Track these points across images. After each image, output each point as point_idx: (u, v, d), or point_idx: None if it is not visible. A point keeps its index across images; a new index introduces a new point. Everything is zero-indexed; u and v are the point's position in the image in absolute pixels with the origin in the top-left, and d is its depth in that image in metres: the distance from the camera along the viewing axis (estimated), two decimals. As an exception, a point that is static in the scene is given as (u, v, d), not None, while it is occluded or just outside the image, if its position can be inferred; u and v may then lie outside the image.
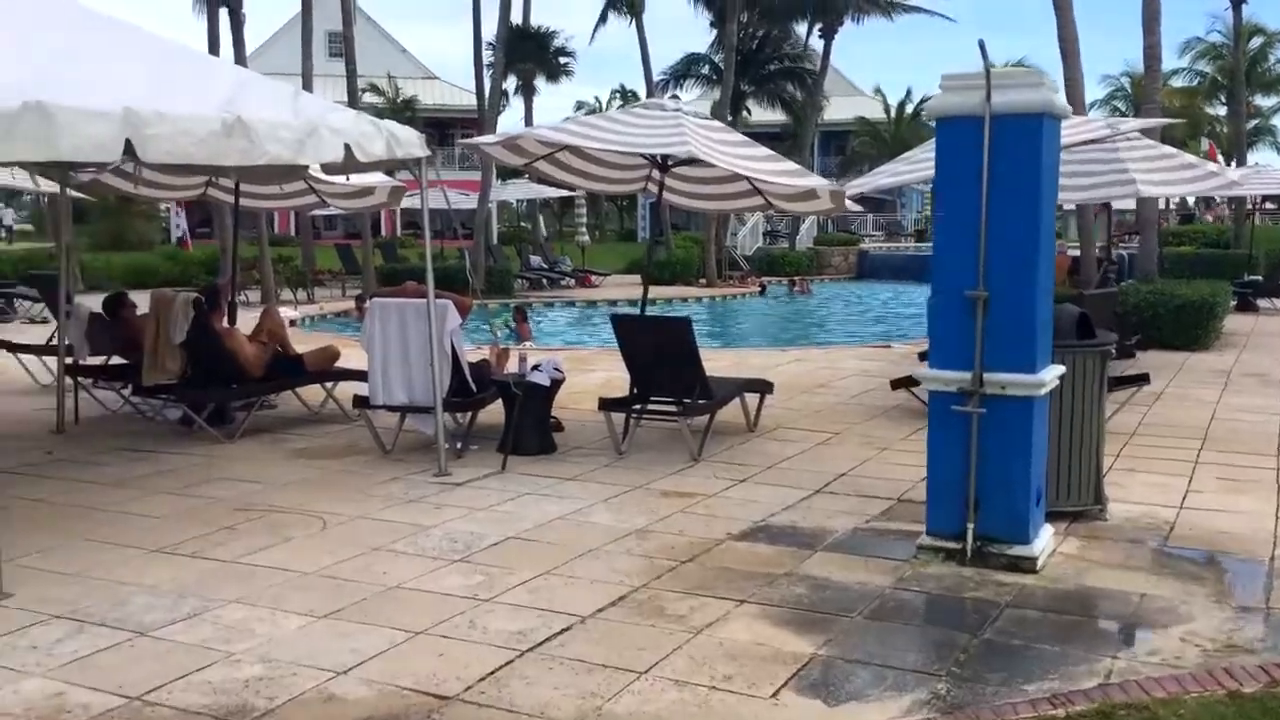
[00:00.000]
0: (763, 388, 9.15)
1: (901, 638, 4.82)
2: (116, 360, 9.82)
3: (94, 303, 10.17)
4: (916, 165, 9.22)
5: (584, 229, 36.42)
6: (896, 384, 9.86)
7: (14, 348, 11.20)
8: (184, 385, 8.67)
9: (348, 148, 6.85)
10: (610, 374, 11.29)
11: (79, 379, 9.45)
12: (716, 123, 9.61)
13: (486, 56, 28.92)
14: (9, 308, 16.88)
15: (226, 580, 5.44)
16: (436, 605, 5.12)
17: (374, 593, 5.28)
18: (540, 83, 41.46)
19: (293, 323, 17.74)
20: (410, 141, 7.47)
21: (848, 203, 9.02)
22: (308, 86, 19.42)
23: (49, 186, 16.23)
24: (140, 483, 7.34)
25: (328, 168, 7.81)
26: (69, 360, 9.32)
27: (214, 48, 24.12)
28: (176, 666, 4.41)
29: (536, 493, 7.14)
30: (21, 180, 15.93)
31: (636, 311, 9.63)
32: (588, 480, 7.47)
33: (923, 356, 10.63)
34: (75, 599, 5.13)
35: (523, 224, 47.89)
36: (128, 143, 5.49)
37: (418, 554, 5.88)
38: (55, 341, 9.95)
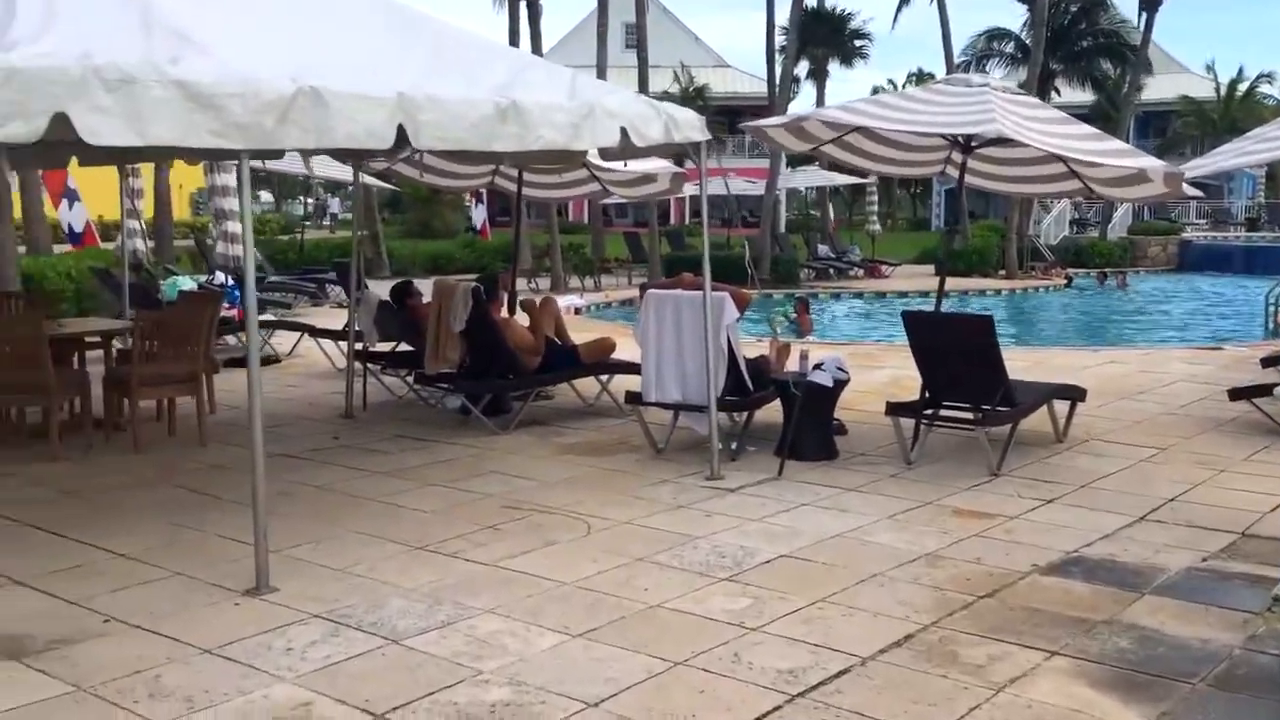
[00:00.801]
0: (1074, 394, 8.16)
1: (1260, 715, 3.93)
2: (404, 347, 9.98)
3: (387, 290, 10.40)
4: (1271, 143, 7.95)
5: (874, 217, 35.25)
6: (1237, 394, 8.60)
7: (314, 332, 11.69)
8: (462, 375, 8.65)
9: (623, 131, 6.50)
10: (899, 372, 10.52)
11: (368, 365, 9.65)
12: (1028, 97, 8.67)
13: (779, 41, 28.39)
14: (321, 292, 17.89)
15: (484, 587, 5.19)
16: (698, 631, 4.65)
17: (633, 611, 4.88)
18: (833, 67, 40.51)
19: (578, 310, 17.90)
20: (689, 124, 7.05)
21: (1184, 187, 7.87)
22: (602, 78, 19.54)
23: (365, 177, 17.12)
24: (414, 474, 7.30)
25: (605, 153, 7.51)
26: (359, 346, 9.53)
27: (514, 41, 24.80)
28: (424, 682, 4.15)
29: (814, 504, 6.56)
30: (343, 172, 16.77)
31: (929, 306, 8.83)
32: (871, 492, 6.82)
33: (1268, 362, 9.40)
34: (336, 598, 5.01)
35: (811, 212, 47.07)
36: (400, 129, 5.32)
37: (682, 568, 5.44)
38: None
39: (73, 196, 17.69)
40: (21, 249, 16.33)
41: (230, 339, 11.40)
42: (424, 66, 5.86)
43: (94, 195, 18.76)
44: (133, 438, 7.83)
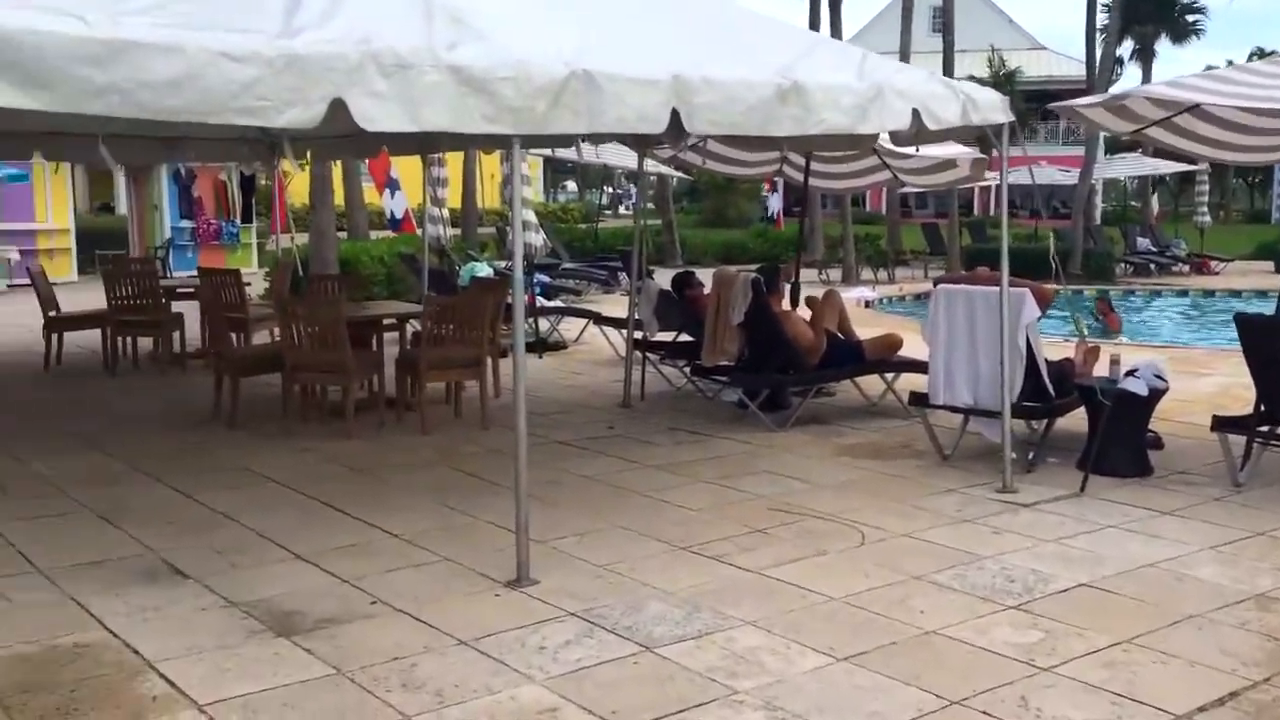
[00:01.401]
0: None
1: None
2: (684, 338, 9.84)
3: (667, 280, 10.30)
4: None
5: (1204, 208, 32.26)
6: None
7: (600, 319, 11.78)
8: (740, 368, 8.40)
9: (915, 113, 6.03)
10: (1228, 381, 9.41)
11: (647, 355, 9.58)
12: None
13: (1100, 19, 26.47)
14: (613, 280, 18.16)
15: (746, 595, 4.90)
16: (980, 666, 4.18)
17: (906, 636, 4.45)
18: (1162, 45, 37.48)
19: (868, 303, 17.27)
20: (990, 105, 6.47)
21: None
22: (905, 61, 18.78)
23: (657, 165, 17.26)
24: (684, 469, 7.12)
25: (896, 138, 7.02)
26: (638, 335, 9.46)
27: (813, 28, 24.32)
28: (675, 698, 3.91)
29: (1121, 526, 5.86)
30: (632, 160, 16.96)
31: (1267, 308, 7.76)
32: (1190, 517, 6.03)
33: None
34: (594, 596, 4.87)
35: (1132, 203, 43.82)
36: (674, 113, 5.11)
37: (964, 591, 4.94)
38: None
39: (394, 185, 18.82)
40: (342, 234, 17.48)
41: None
42: (703, 47, 5.62)
43: (414, 184, 19.89)
44: (420, 419, 8.07)
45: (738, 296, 8.12)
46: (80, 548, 5.44)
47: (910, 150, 8.94)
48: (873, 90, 5.86)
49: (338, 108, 4.34)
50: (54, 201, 20.78)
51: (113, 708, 3.78)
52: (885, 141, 7.79)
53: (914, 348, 8.54)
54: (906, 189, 11.54)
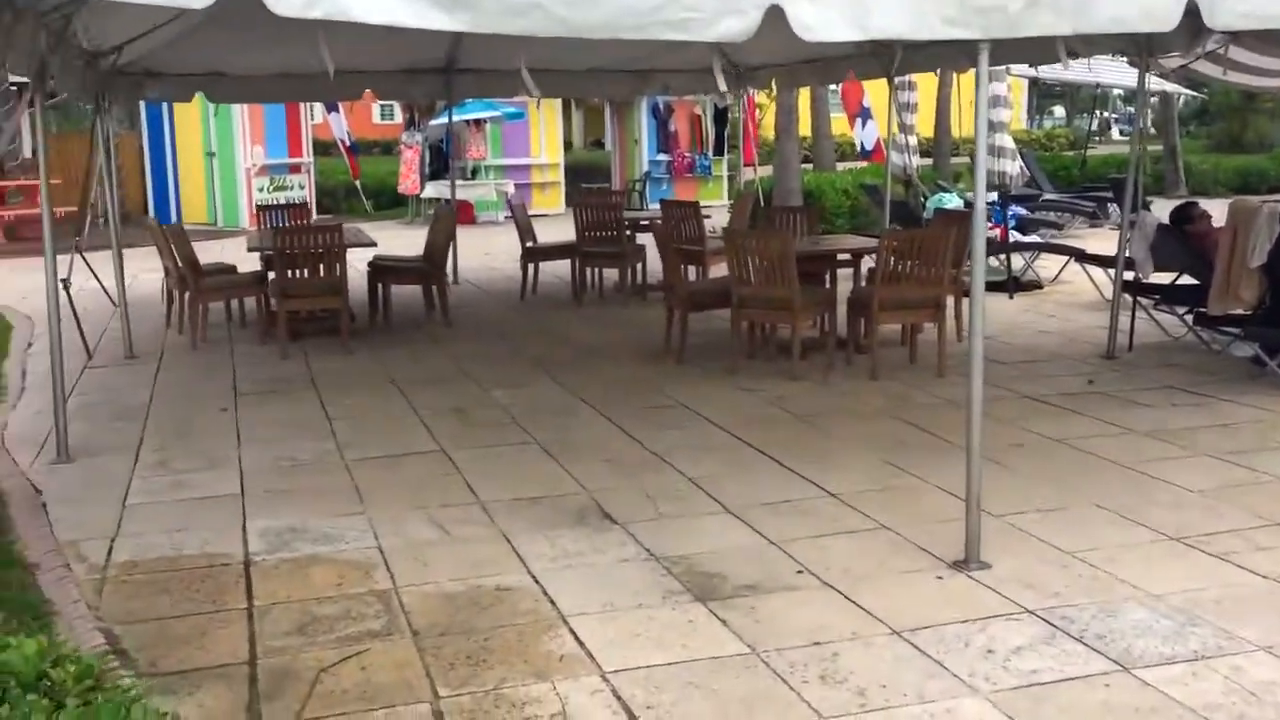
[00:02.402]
0: None
1: None
2: (1185, 280, 8.44)
3: (1166, 212, 8.89)
4: None
5: None
6: None
7: (1082, 257, 10.47)
8: (1258, 319, 6.99)
9: None
10: None
11: (1139, 298, 8.31)
12: None
13: None
14: (1100, 212, 16.35)
15: (1260, 610, 3.90)
16: None
17: None
18: None
19: None
20: None
21: None
22: None
23: (1159, 84, 15.28)
24: (1180, 437, 5.99)
25: None
26: (1129, 276, 8.20)
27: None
28: (1156, 740, 3.11)
29: None
30: (1129, 77, 15.08)
31: None
32: None
33: None
34: (1057, 591, 4.09)
35: None
36: (1189, 5, 4.07)
37: None
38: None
39: (866, 114, 18.20)
40: (807, 166, 17.15)
41: (993, 260, 10.66)
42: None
43: (886, 112, 19.15)
44: (871, 363, 7.48)
45: (1260, 232, 6.73)
46: (522, 482, 5.45)
47: None
48: None
49: (775, 17, 3.80)
50: (547, 138, 22.21)
51: (520, 662, 3.61)
52: None
53: None
54: None
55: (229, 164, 19.68)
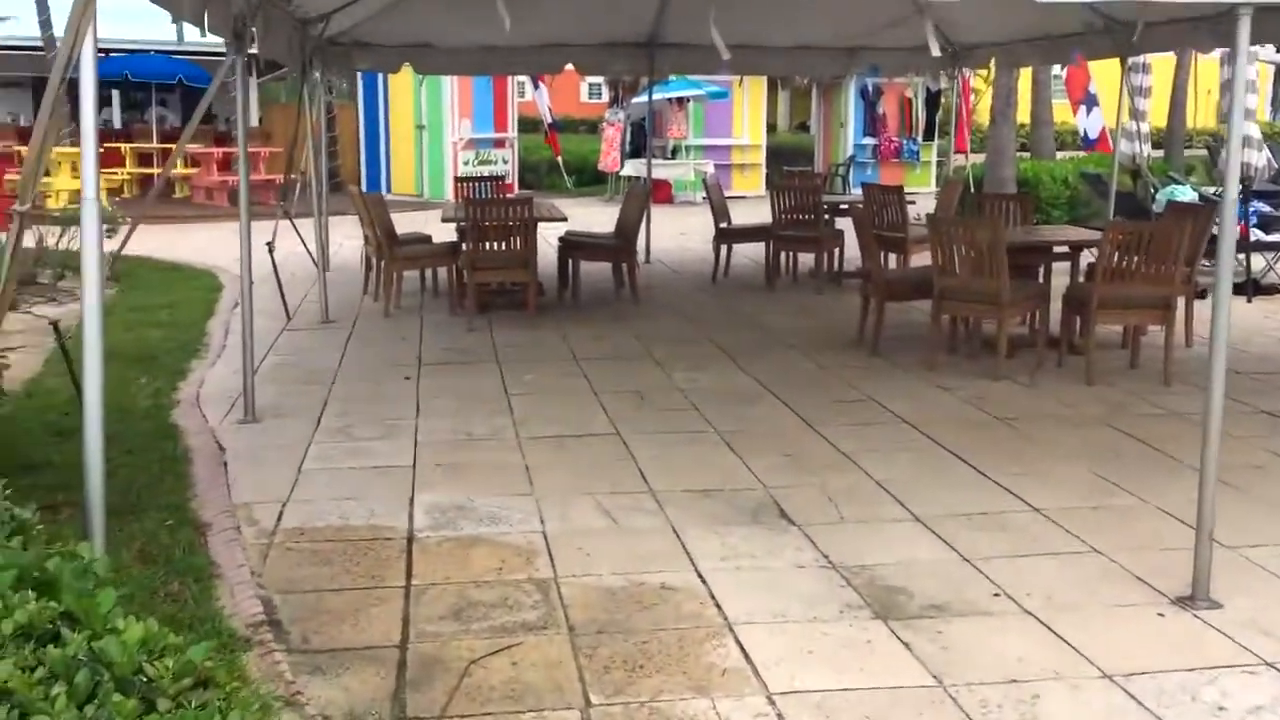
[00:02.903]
0: None
1: None
2: None
3: None
4: None
5: None
6: None
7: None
8: None
9: None
10: None
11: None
12: None
13: None
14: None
15: None
16: None
17: None
18: None
19: None
20: None
21: None
22: None
23: None
24: None
25: None
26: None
27: None
28: None
29: None
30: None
31: None
32: None
33: None
34: (1302, 641, 3.53)
35: None
36: None
37: None
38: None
39: (1091, 101, 17.10)
40: (1024, 154, 16.22)
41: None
42: None
43: (1114, 101, 17.98)
44: (1086, 366, 6.86)
45: None
46: (696, 472, 5.18)
47: None
48: None
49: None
50: (750, 118, 21.83)
51: (679, 672, 3.34)
52: None
53: None
54: None
55: (437, 137, 20.11)
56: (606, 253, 9.63)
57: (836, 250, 10.63)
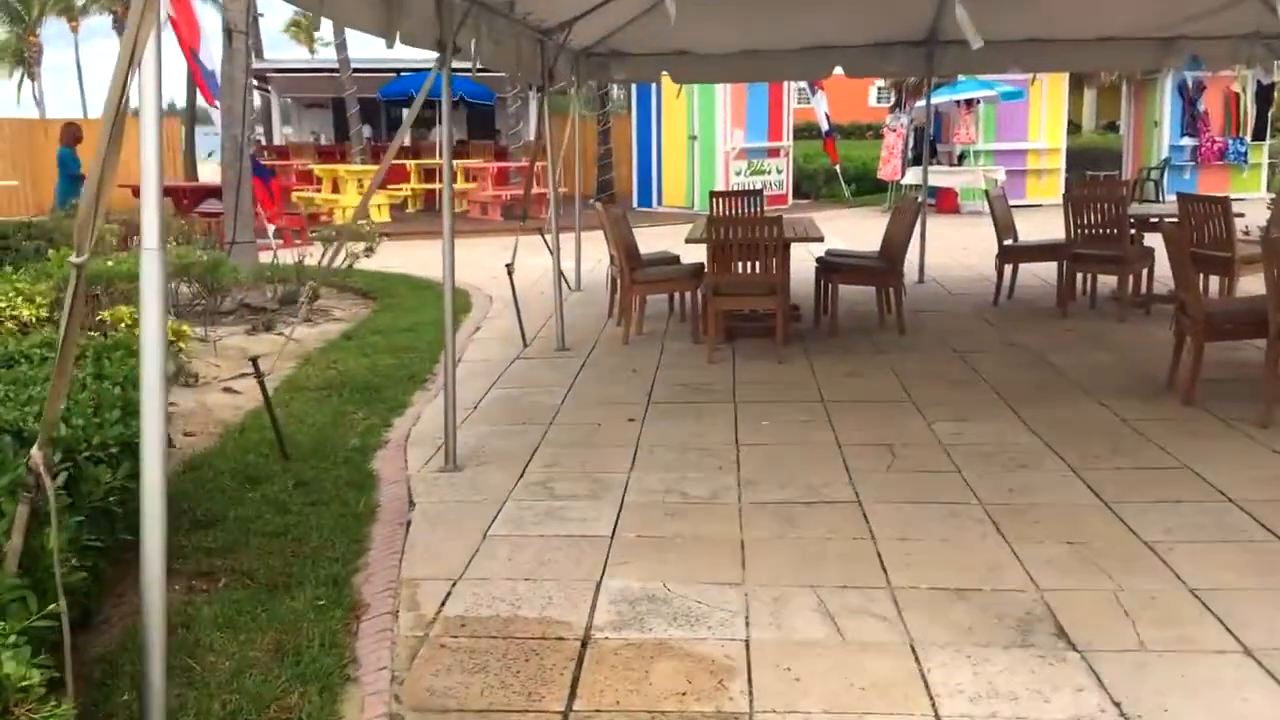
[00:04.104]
0: None
1: None
2: None
3: None
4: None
5: None
6: None
7: None
8: None
9: None
10: None
11: None
12: None
13: None
14: None
15: None
16: None
17: None
18: None
19: None
20: None
21: None
22: None
23: None
24: None
25: None
26: None
27: None
28: None
29: None
30: None
31: None
32: None
33: None
34: None
35: None
36: None
37: None
38: None
39: None
40: None
41: None
42: None
43: None
44: None
45: None
46: (949, 562, 4.19)
47: None
48: None
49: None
50: (1048, 119, 20.03)
51: None
52: None
53: None
54: None
55: (709, 147, 19.56)
56: (868, 275, 8.64)
57: (1145, 271, 9.17)
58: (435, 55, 5.20)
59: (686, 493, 5.02)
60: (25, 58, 50.16)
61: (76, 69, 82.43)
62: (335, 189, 19.01)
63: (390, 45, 4.60)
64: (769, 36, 10.18)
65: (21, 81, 51.16)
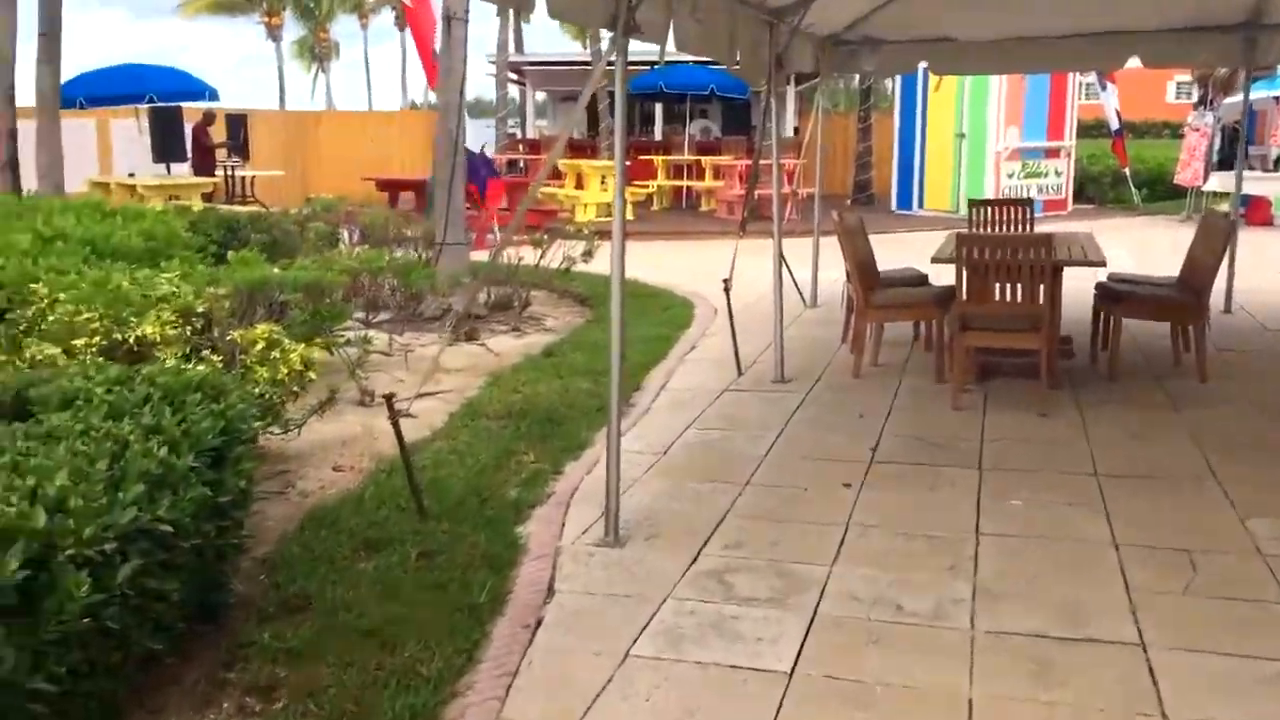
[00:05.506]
0: None
1: None
2: None
3: None
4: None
5: None
6: None
7: None
8: None
9: None
10: None
11: None
12: None
13: None
14: None
15: None
16: None
17: None
18: None
19: None
20: None
21: None
22: None
23: None
24: None
25: None
26: None
27: None
28: None
29: None
30: None
31: None
32: None
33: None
34: None
35: None
36: None
37: None
38: None
39: None
40: None
41: None
42: None
43: None
44: None
45: None
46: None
47: None
48: None
49: None
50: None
51: None
52: None
53: None
54: None
55: (979, 146, 17.81)
56: (1163, 308, 7.05)
57: None
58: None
59: (901, 605, 3.83)
60: (318, 53, 53.15)
61: (364, 64, 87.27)
62: (579, 184, 18.49)
63: (525, 21, 3.65)
64: (1049, 20, 8.67)
65: (316, 76, 54.31)
